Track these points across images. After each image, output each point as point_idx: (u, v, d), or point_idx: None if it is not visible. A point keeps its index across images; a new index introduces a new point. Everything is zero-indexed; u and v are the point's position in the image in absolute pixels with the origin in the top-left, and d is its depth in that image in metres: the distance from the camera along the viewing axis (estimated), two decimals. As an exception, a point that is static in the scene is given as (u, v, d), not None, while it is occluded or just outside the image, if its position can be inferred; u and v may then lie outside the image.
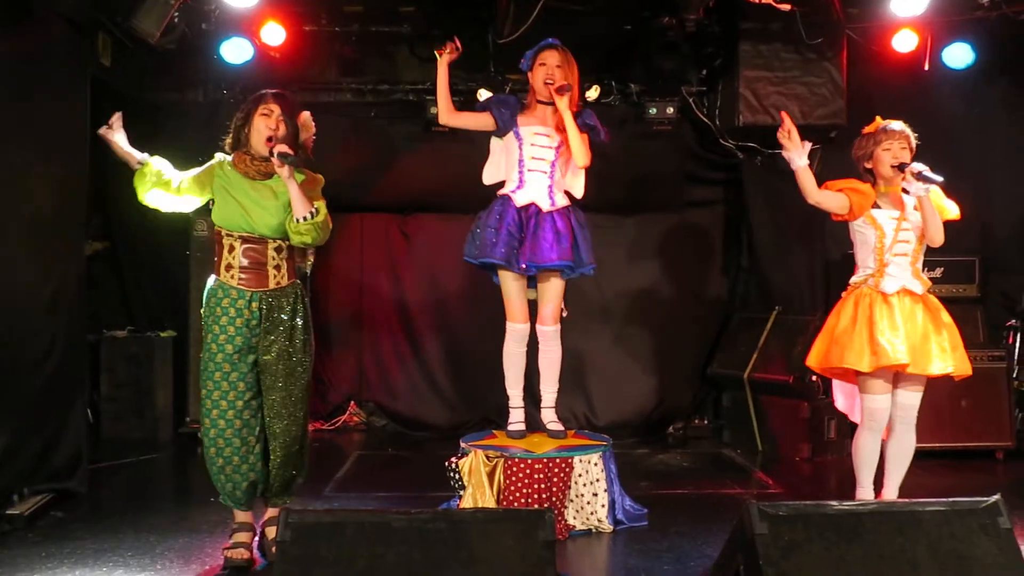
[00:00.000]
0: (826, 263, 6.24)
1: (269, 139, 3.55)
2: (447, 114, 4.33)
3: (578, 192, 4.41)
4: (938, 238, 3.95)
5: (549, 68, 4.25)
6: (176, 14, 4.85)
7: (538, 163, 4.28)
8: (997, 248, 6.14)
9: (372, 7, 5.70)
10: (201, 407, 3.58)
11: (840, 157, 6.16)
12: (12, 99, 4.09)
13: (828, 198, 4.02)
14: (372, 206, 6.63)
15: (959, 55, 5.67)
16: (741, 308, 6.64)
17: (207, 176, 3.61)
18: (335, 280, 6.67)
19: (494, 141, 4.44)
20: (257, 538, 3.75)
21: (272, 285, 3.59)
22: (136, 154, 3.56)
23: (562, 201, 4.32)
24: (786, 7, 4.94)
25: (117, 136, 3.54)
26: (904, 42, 5.58)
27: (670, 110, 6.04)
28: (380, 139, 6.39)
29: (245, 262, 3.56)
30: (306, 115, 3.71)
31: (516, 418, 4.44)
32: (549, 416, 4.45)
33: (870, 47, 5.70)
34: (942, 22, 5.45)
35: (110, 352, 6.03)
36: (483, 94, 5.86)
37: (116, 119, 3.57)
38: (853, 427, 5.96)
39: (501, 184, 4.39)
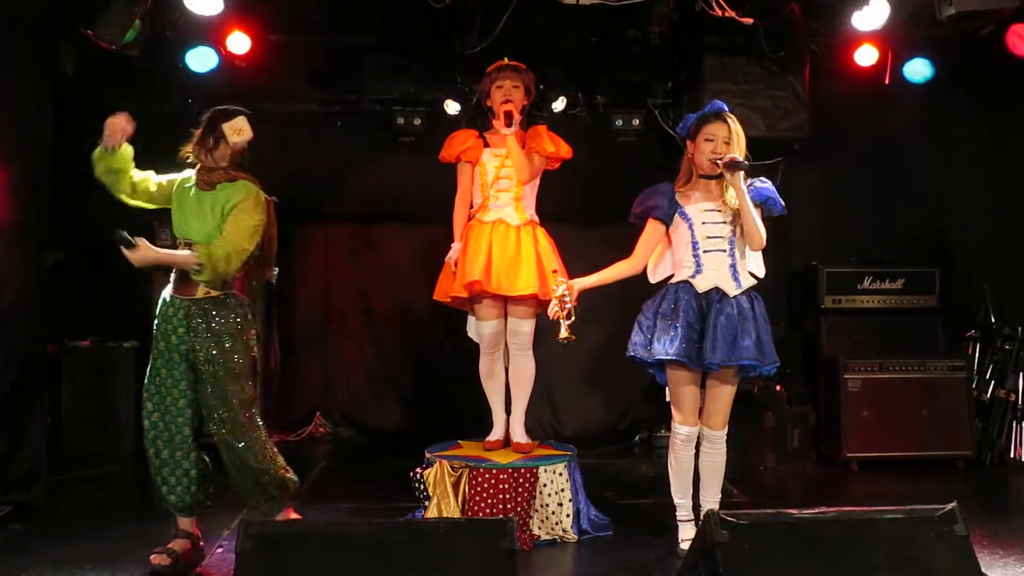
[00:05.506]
0: (789, 273, 6.31)
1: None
2: (645, 268, 3.93)
3: (760, 272, 3.92)
4: None
5: (717, 144, 3.77)
6: (139, 22, 4.81)
7: (715, 242, 3.81)
8: (956, 260, 6.24)
9: (338, 17, 5.69)
10: (142, 409, 3.61)
11: (803, 169, 6.28)
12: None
13: None
14: (338, 216, 6.60)
15: (918, 69, 5.78)
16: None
17: (169, 184, 3.66)
18: (300, 290, 6.63)
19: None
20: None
21: (200, 294, 3.57)
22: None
23: (748, 283, 3.84)
24: (749, 21, 4.98)
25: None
26: (865, 56, 5.66)
27: (636, 122, 6.07)
28: (346, 149, 6.36)
29: (179, 271, 3.58)
30: (241, 119, 3.62)
31: (686, 535, 3.90)
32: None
33: (832, 61, 5.79)
34: (902, 37, 5.55)
35: (72, 363, 5.93)
36: (450, 105, 5.87)
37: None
38: (817, 437, 6.05)
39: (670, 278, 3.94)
